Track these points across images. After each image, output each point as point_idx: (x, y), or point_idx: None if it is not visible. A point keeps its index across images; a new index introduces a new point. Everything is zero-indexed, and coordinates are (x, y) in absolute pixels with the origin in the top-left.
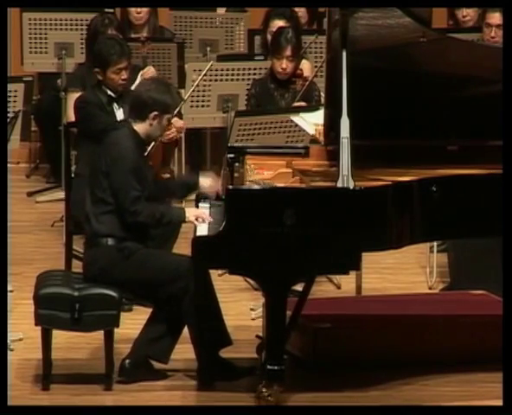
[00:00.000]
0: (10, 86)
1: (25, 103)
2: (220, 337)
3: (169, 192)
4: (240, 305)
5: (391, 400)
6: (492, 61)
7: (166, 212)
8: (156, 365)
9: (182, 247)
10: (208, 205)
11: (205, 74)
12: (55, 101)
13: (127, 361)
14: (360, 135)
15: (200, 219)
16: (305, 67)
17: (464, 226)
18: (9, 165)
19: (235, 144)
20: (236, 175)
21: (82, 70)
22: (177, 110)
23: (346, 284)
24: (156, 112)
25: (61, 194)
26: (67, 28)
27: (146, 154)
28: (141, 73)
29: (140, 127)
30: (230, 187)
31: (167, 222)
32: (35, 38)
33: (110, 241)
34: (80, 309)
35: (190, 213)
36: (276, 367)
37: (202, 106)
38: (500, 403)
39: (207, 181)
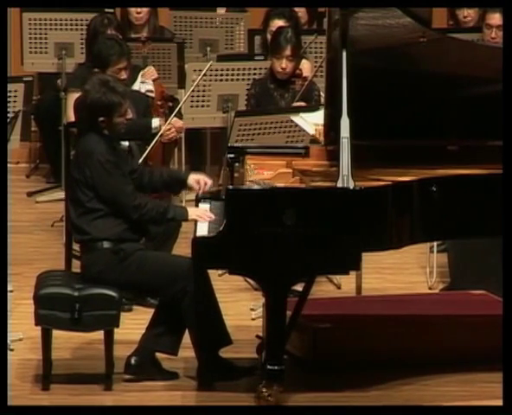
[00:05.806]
0: (10, 86)
1: (25, 103)
2: (220, 337)
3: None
4: (240, 305)
5: (391, 400)
6: (492, 61)
7: (169, 208)
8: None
9: (182, 247)
10: (207, 205)
11: (205, 74)
12: (55, 101)
13: (133, 358)
14: (360, 135)
15: (202, 218)
16: (305, 66)
17: (463, 226)
18: (9, 165)
19: (235, 144)
20: (236, 175)
21: (82, 70)
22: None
23: (346, 284)
24: (102, 118)
25: (61, 194)
26: (67, 28)
27: (146, 154)
28: (141, 73)
29: (103, 132)
30: (230, 187)
31: (170, 218)
32: (35, 38)
33: (105, 244)
34: (80, 309)
35: (193, 212)
36: (276, 367)
37: (202, 106)
38: (500, 403)
39: (194, 177)
